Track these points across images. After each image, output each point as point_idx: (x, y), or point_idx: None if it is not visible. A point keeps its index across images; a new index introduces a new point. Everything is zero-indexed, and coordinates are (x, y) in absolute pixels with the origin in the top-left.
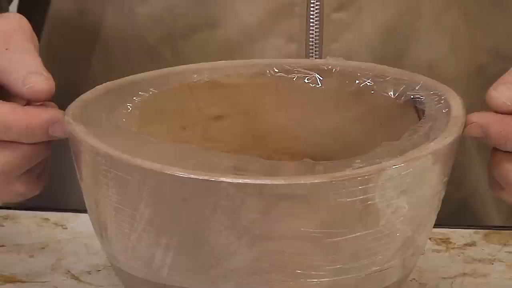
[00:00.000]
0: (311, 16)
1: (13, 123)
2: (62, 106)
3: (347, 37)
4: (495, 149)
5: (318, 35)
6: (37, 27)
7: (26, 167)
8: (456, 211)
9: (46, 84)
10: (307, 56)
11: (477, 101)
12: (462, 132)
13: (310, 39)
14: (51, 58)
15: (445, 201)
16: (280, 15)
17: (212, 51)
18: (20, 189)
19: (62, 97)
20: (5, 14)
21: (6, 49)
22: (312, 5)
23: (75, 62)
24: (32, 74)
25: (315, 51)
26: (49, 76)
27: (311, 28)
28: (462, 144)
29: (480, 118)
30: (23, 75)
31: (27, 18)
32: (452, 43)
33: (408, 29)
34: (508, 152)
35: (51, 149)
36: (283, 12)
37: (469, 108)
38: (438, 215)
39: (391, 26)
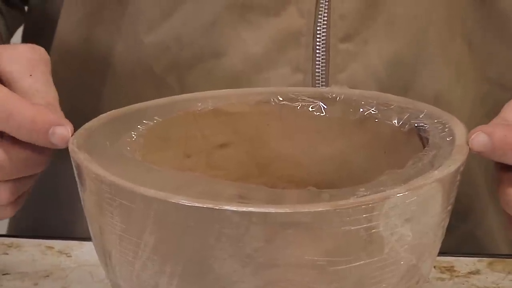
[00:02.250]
0: (317, 46)
1: (19, 112)
2: None
3: (354, 67)
4: (500, 174)
5: (324, 65)
6: None
7: (17, 173)
8: (462, 242)
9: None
10: (314, 86)
11: None
12: (467, 144)
13: (317, 69)
14: (57, 85)
15: (451, 231)
16: (286, 45)
17: (218, 80)
18: (2, 198)
19: None
20: (30, 45)
21: (30, 76)
22: (318, 35)
23: (81, 90)
24: (57, 128)
25: (322, 81)
26: (69, 123)
27: (317, 58)
28: (468, 175)
29: (484, 127)
30: (47, 122)
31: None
32: (457, 73)
33: (414, 60)
34: None
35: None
36: (289, 42)
37: None
38: (443, 245)
39: (397, 57)
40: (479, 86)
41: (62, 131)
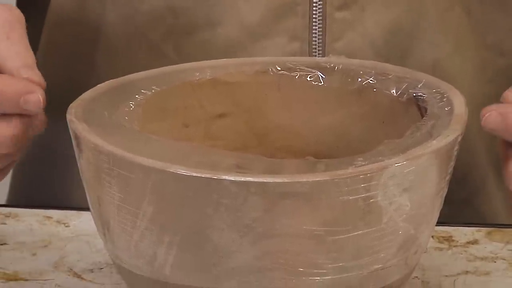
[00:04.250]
0: (313, 15)
1: None
2: (66, 104)
3: (350, 36)
4: (508, 151)
5: (321, 34)
6: (37, 23)
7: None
8: (460, 209)
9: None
10: (310, 55)
11: (479, 98)
12: (481, 122)
13: (313, 38)
14: (52, 55)
15: (449, 199)
16: (282, 13)
17: (215, 49)
18: None
19: (65, 94)
20: (8, 5)
21: (8, 38)
22: (314, 4)
23: (77, 59)
24: (25, 68)
25: (318, 50)
26: (39, 74)
27: (314, 27)
28: (467, 144)
29: (499, 107)
30: (18, 66)
31: (26, 13)
32: (456, 41)
33: (412, 28)
34: None
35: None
36: (286, 10)
37: (472, 106)
38: (441, 213)
39: (395, 25)
40: (479, 54)
41: (34, 98)
